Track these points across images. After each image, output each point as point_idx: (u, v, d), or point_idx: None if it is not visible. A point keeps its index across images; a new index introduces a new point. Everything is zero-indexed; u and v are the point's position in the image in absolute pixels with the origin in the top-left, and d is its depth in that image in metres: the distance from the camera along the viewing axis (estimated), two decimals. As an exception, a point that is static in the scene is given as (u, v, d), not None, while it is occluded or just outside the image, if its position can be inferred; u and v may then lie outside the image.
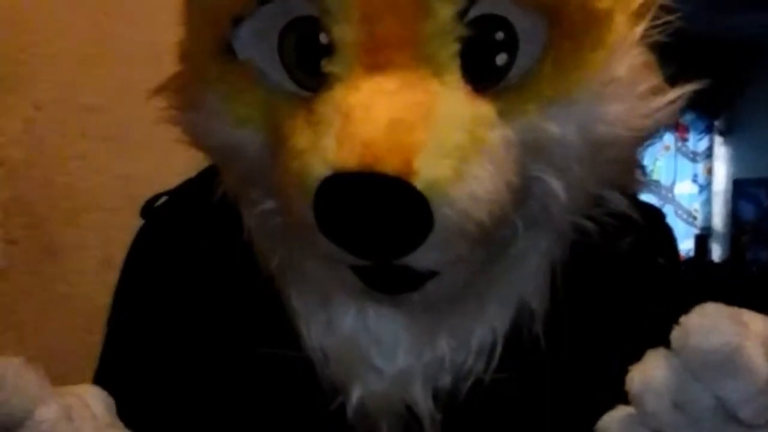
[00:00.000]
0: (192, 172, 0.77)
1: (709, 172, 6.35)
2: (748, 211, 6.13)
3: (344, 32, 0.57)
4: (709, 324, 0.48)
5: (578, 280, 0.68)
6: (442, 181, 0.53)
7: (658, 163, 6.18)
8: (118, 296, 0.77)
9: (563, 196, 0.61)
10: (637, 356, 0.53)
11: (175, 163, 0.74)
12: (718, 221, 6.35)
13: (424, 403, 0.66)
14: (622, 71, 0.60)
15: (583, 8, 0.58)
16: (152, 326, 0.74)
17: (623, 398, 0.53)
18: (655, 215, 0.76)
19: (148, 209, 0.77)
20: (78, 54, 1.50)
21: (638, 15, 0.62)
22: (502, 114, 0.58)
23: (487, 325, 0.66)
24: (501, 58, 0.59)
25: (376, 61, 0.56)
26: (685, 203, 6.29)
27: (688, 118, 6.22)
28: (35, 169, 1.49)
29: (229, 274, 0.71)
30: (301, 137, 0.57)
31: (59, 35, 1.49)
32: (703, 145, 6.33)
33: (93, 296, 1.43)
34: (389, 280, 0.59)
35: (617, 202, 0.67)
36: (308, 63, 0.60)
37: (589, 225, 0.66)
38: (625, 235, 0.68)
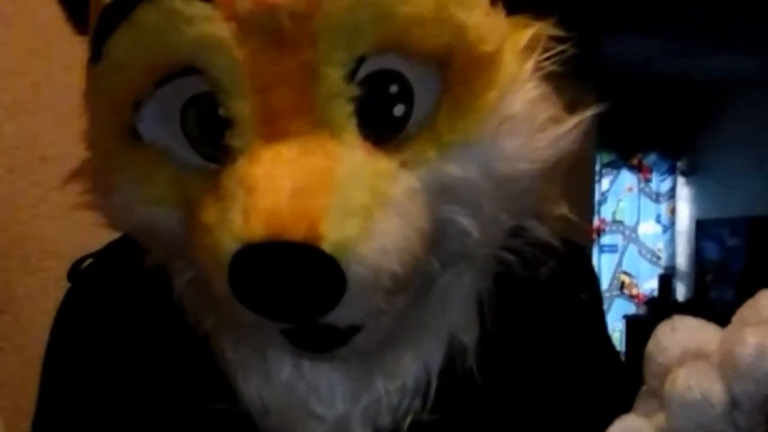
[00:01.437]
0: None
1: (673, 212, 6.42)
2: (712, 250, 6.19)
3: (239, 106, 0.58)
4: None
5: (505, 311, 0.70)
6: (349, 241, 0.54)
7: (622, 204, 6.25)
8: (47, 364, 0.76)
9: (476, 233, 0.62)
10: (559, 384, 0.54)
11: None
12: (682, 261, 6.41)
13: None
14: (517, 107, 0.61)
15: (470, 54, 0.59)
16: (84, 393, 0.73)
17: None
18: (579, 253, 0.78)
19: (74, 272, 0.76)
20: (31, 105, 1.50)
21: (527, 50, 0.62)
22: (405, 164, 0.59)
23: (420, 363, 0.67)
24: (399, 109, 0.60)
25: (273, 131, 0.57)
26: (648, 243, 6.35)
27: (651, 158, 6.31)
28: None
29: (162, 333, 0.71)
30: (209, 212, 0.58)
31: (12, 84, 1.50)
32: (666, 185, 6.40)
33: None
34: (315, 339, 0.60)
35: (539, 231, 0.69)
36: (211, 137, 0.60)
37: (509, 256, 0.68)
38: (547, 264, 0.70)
